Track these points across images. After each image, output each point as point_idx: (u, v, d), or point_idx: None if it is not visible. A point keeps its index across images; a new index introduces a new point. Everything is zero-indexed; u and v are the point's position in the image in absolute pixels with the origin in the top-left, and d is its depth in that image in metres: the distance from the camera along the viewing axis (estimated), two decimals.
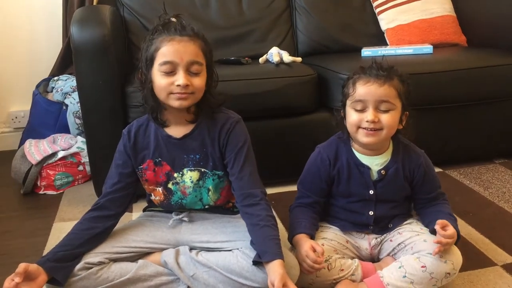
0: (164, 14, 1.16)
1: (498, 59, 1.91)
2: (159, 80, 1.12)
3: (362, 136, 1.18)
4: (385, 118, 1.16)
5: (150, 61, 1.13)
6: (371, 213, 1.24)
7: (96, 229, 1.16)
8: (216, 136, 1.20)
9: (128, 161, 1.22)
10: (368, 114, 1.16)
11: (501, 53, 1.97)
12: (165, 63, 1.10)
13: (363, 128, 1.17)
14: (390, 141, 1.25)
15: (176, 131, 1.20)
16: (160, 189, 1.24)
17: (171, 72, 1.11)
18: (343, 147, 1.26)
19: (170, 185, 1.23)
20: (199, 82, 1.13)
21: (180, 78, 1.10)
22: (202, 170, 1.21)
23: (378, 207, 1.24)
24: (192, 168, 1.21)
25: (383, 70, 1.17)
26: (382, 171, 1.23)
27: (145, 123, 1.23)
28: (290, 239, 1.22)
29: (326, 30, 2.25)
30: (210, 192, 1.23)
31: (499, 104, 1.94)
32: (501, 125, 1.98)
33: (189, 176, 1.21)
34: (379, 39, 2.25)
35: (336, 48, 2.23)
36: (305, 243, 1.15)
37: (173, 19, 1.15)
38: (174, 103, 1.12)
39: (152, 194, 1.27)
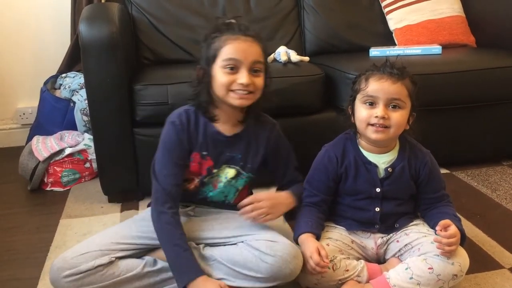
0: (223, 16, 1.19)
1: (507, 61, 1.89)
2: (221, 76, 1.14)
3: (371, 133, 1.18)
4: (394, 116, 1.17)
5: (213, 57, 1.15)
6: (377, 209, 1.24)
7: (180, 226, 1.16)
8: (264, 140, 1.25)
9: (184, 151, 1.21)
10: (378, 110, 1.16)
11: (510, 54, 1.95)
12: (230, 60, 1.13)
13: (372, 124, 1.17)
14: (397, 139, 1.25)
15: (226, 128, 1.23)
16: (197, 180, 1.25)
17: (233, 70, 1.13)
18: (350, 145, 1.26)
19: (206, 179, 1.24)
20: (260, 81, 1.17)
21: (243, 76, 1.12)
22: (239, 170, 1.24)
23: (384, 204, 1.24)
24: (231, 166, 1.24)
25: (396, 69, 1.18)
26: (389, 169, 1.23)
27: (192, 115, 1.23)
28: (296, 238, 1.22)
29: (334, 30, 2.24)
30: (237, 192, 1.27)
31: (508, 105, 1.93)
32: (510, 127, 1.97)
33: (226, 172, 1.24)
34: (387, 39, 2.24)
35: (344, 48, 2.23)
36: (311, 243, 1.15)
37: (233, 21, 1.18)
38: (235, 101, 1.15)
39: (186, 180, 1.25)
